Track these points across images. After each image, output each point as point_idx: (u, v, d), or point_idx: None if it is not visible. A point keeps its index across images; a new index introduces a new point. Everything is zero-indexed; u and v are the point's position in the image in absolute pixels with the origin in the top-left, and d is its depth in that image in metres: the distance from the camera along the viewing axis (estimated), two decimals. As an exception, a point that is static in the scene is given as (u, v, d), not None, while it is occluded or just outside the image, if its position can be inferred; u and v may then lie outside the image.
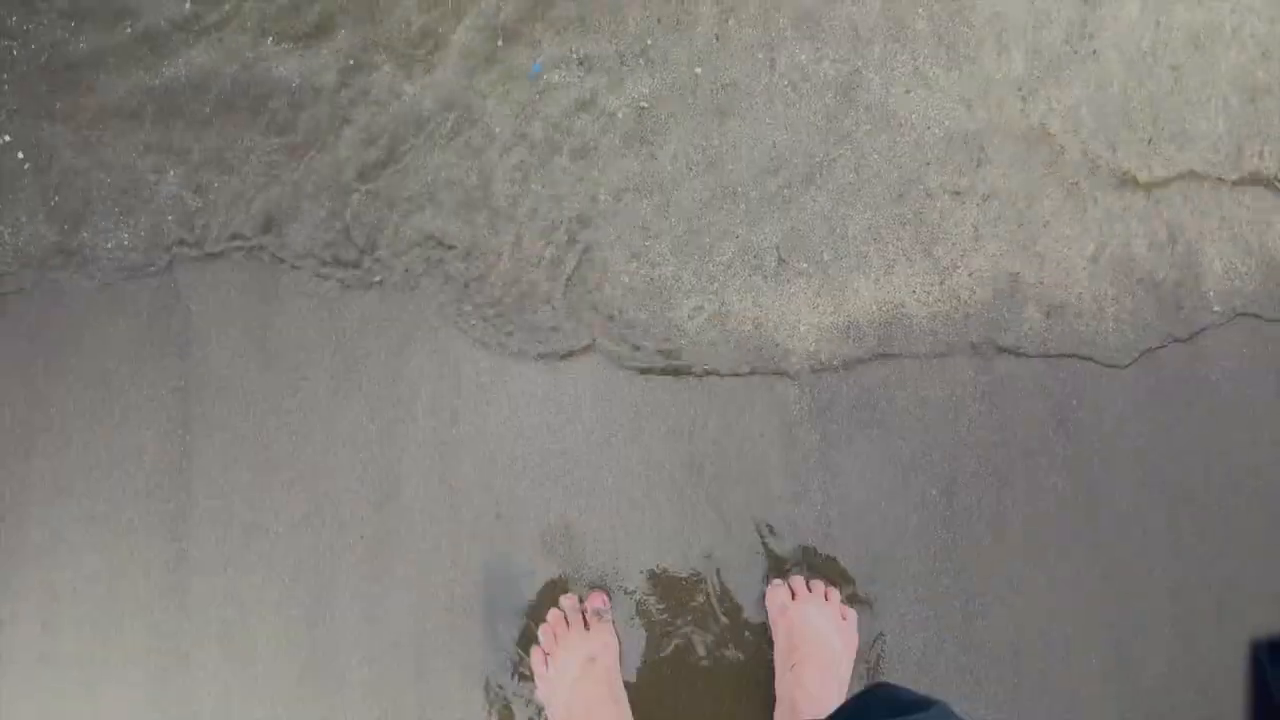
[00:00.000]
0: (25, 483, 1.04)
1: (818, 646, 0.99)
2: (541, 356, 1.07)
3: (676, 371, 1.07)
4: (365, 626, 1.04)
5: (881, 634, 1.07)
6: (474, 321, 1.07)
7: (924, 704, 0.72)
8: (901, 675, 1.06)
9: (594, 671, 0.98)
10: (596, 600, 1.03)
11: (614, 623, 1.04)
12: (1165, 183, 1.13)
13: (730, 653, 1.05)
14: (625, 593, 1.05)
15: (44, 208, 1.05)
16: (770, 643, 1.05)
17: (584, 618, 1.02)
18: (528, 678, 1.03)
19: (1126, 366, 1.11)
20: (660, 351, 1.07)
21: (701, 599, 1.06)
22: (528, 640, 1.04)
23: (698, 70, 1.08)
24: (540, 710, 1.03)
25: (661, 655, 1.05)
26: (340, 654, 1.03)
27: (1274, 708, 0.57)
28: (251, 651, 1.03)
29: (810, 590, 1.04)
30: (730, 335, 1.08)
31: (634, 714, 1.01)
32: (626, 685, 1.03)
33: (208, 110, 1.06)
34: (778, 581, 1.05)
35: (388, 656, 1.04)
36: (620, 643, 1.03)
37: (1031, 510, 1.09)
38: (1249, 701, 0.71)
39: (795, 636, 1.00)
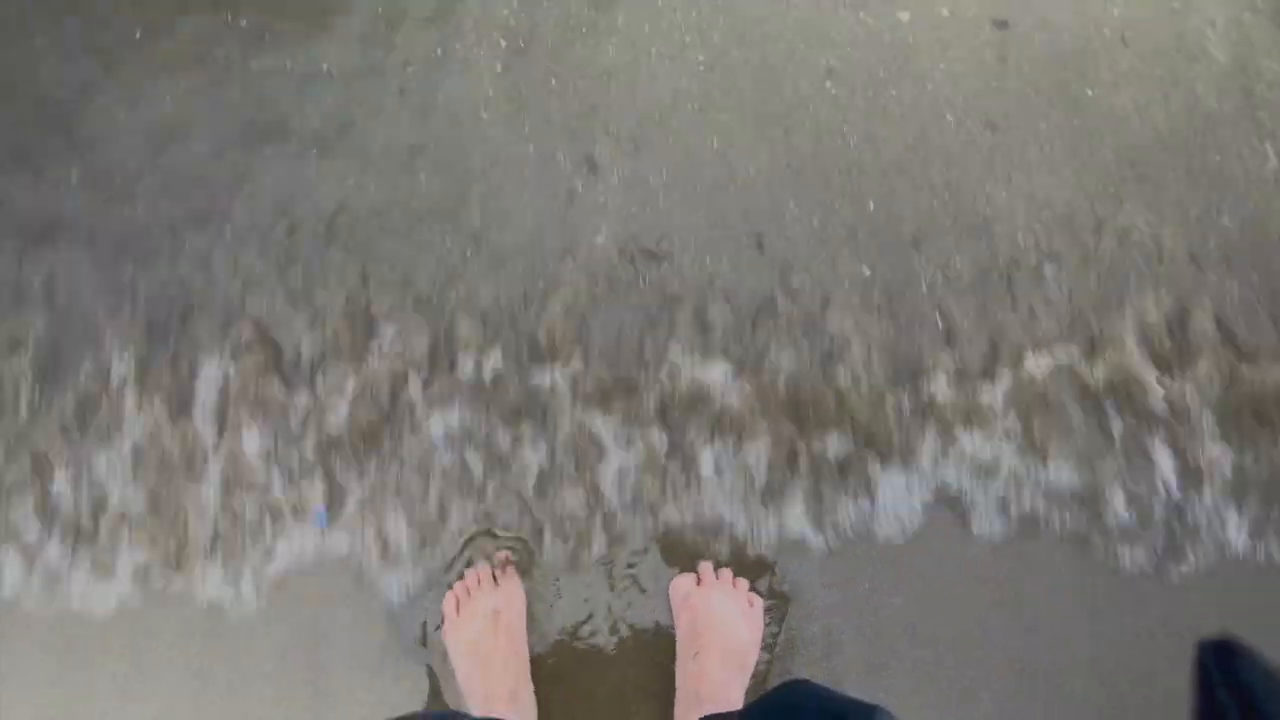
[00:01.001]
0: None
1: (722, 635, 0.98)
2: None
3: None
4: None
5: (787, 620, 1.06)
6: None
7: (863, 711, 0.65)
8: (805, 662, 1.05)
9: (498, 624, 0.98)
10: (502, 557, 1.04)
11: (521, 580, 1.04)
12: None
13: (636, 634, 1.05)
14: (541, 559, 1.06)
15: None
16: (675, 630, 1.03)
17: (493, 572, 1.03)
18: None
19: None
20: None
21: (613, 576, 1.06)
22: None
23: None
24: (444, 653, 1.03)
25: (566, 626, 1.05)
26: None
27: (1217, 706, 0.57)
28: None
29: (717, 577, 1.02)
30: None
31: (534, 674, 1.01)
32: (530, 648, 1.03)
33: None
34: (684, 571, 1.04)
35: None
36: (527, 600, 1.04)
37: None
38: (1194, 701, 0.73)
39: (699, 624, 0.99)
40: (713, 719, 0.86)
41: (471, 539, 1.07)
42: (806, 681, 0.76)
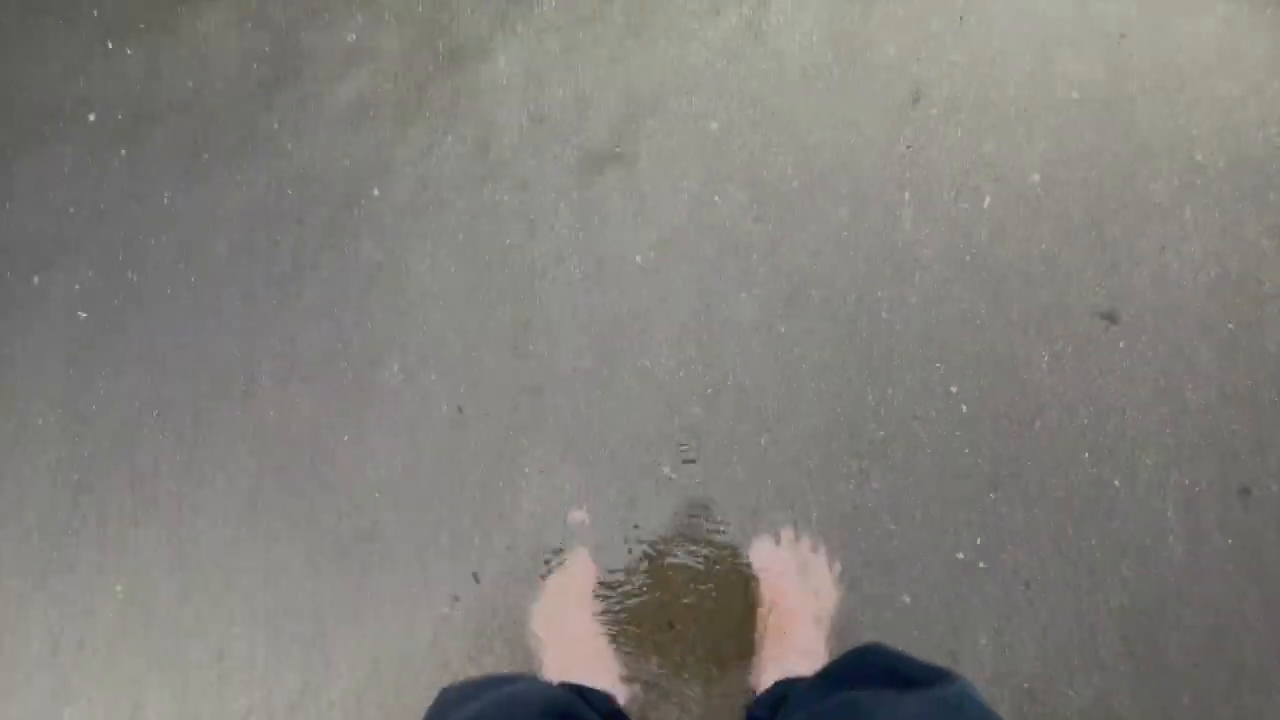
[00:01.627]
0: None
1: (801, 599, 0.98)
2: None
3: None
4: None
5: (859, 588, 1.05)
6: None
7: (933, 675, 0.61)
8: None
9: (571, 591, 1.01)
10: (575, 516, 1.05)
11: (592, 547, 1.06)
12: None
13: (717, 598, 1.05)
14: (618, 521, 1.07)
15: None
16: (755, 594, 1.04)
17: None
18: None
19: None
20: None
21: (692, 538, 1.07)
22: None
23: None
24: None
25: (646, 590, 1.06)
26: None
27: None
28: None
29: (797, 544, 1.03)
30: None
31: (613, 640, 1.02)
32: (609, 613, 1.04)
33: None
34: (764, 534, 1.05)
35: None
36: (597, 567, 1.05)
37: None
38: None
39: (778, 589, 1.00)
40: (787, 683, 0.87)
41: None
42: (880, 645, 0.76)
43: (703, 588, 1.06)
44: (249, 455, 1.11)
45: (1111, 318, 1.09)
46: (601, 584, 1.05)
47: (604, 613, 1.04)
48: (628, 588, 1.06)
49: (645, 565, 1.06)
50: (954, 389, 1.09)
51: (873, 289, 1.11)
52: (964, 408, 1.08)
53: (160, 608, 1.09)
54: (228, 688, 1.06)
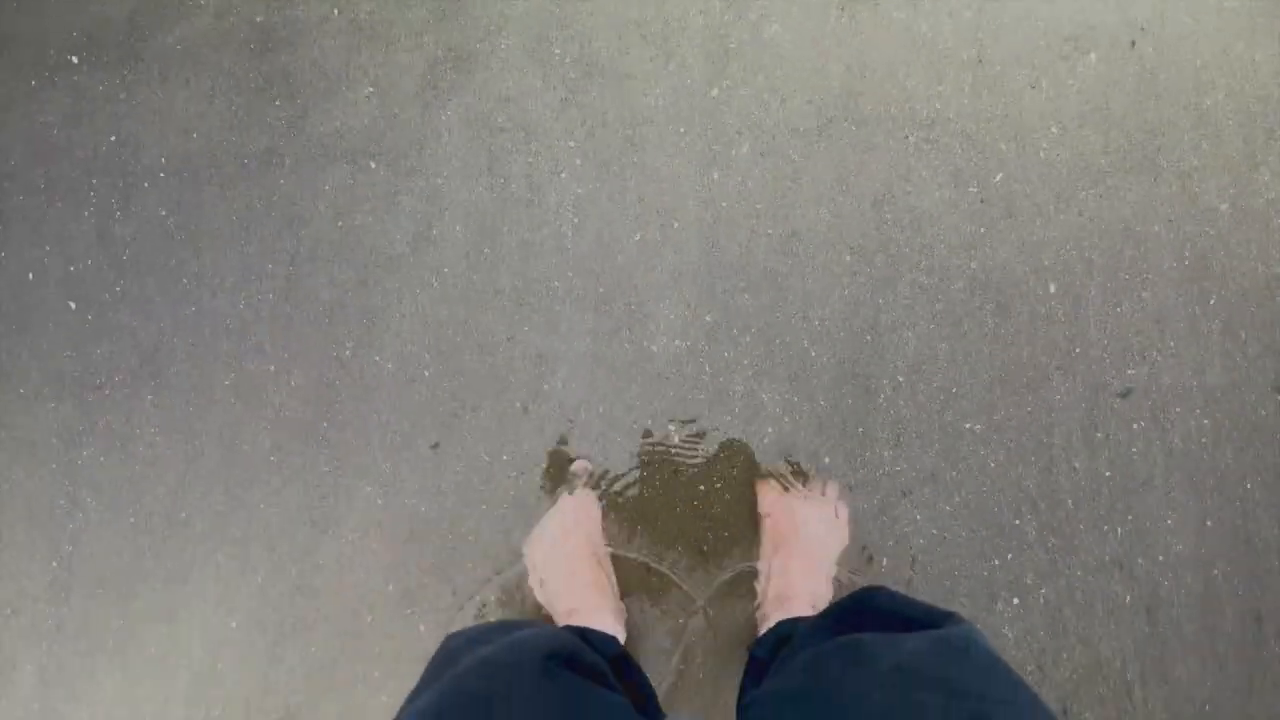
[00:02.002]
0: None
1: (805, 540, 0.98)
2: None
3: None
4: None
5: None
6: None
7: (938, 617, 0.61)
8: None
9: (576, 535, 1.01)
10: (579, 467, 1.06)
11: (599, 489, 1.07)
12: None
13: (721, 541, 1.06)
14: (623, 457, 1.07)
15: None
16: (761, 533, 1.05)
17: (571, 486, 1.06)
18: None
19: None
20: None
21: (695, 474, 1.07)
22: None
23: None
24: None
25: (652, 524, 1.07)
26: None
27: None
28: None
29: (806, 484, 1.02)
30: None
31: (619, 579, 1.03)
32: (615, 555, 1.05)
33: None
34: (772, 469, 1.05)
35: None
36: (603, 510, 1.06)
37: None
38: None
39: (783, 528, 0.99)
40: (791, 623, 0.88)
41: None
42: (884, 588, 0.76)
43: (708, 531, 1.07)
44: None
45: None
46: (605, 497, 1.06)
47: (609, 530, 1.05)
48: (628, 486, 1.07)
49: (647, 483, 1.07)
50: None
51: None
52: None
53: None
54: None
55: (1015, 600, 1.04)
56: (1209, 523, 1.05)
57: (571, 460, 1.07)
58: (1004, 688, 0.49)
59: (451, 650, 0.61)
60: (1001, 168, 1.10)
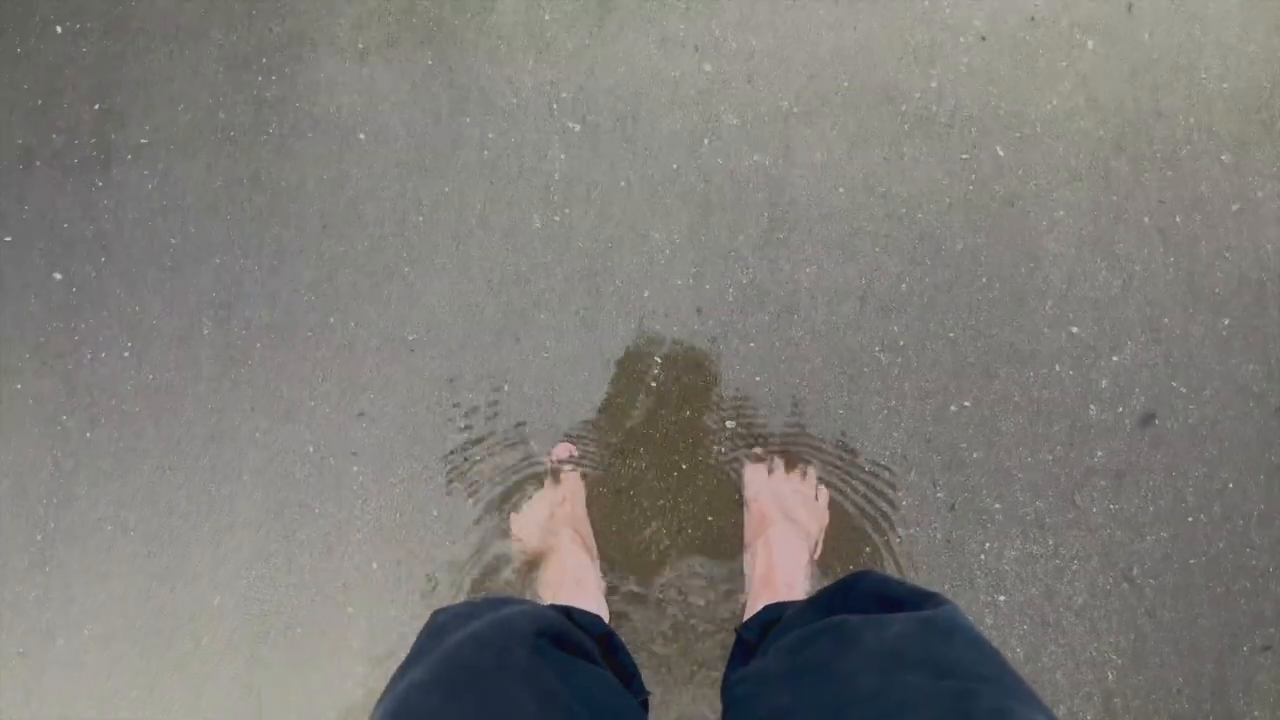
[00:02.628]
0: None
1: (789, 525, 0.99)
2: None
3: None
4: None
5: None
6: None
7: (921, 598, 0.61)
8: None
9: (560, 515, 1.03)
10: (562, 451, 1.06)
11: (582, 472, 1.08)
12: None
13: (708, 525, 1.07)
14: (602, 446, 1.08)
15: None
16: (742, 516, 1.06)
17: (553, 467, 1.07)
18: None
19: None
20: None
21: (679, 459, 1.07)
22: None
23: None
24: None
25: (635, 516, 1.07)
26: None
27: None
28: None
29: (787, 468, 1.03)
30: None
31: (600, 553, 1.05)
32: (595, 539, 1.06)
33: None
34: (757, 454, 1.06)
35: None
36: (585, 488, 1.07)
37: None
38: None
39: (766, 513, 1.00)
40: (776, 607, 0.88)
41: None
42: (871, 571, 0.76)
43: (692, 515, 1.07)
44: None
45: None
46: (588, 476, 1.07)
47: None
48: (610, 467, 1.07)
49: (631, 487, 1.07)
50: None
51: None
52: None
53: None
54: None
55: (1002, 598, 1.05)
56: (1190, 519, 1.07)
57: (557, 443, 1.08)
58: (988, 666, 0.50)
59: (440, 625, 0.61)
60: (1001, 148, 1.10)
